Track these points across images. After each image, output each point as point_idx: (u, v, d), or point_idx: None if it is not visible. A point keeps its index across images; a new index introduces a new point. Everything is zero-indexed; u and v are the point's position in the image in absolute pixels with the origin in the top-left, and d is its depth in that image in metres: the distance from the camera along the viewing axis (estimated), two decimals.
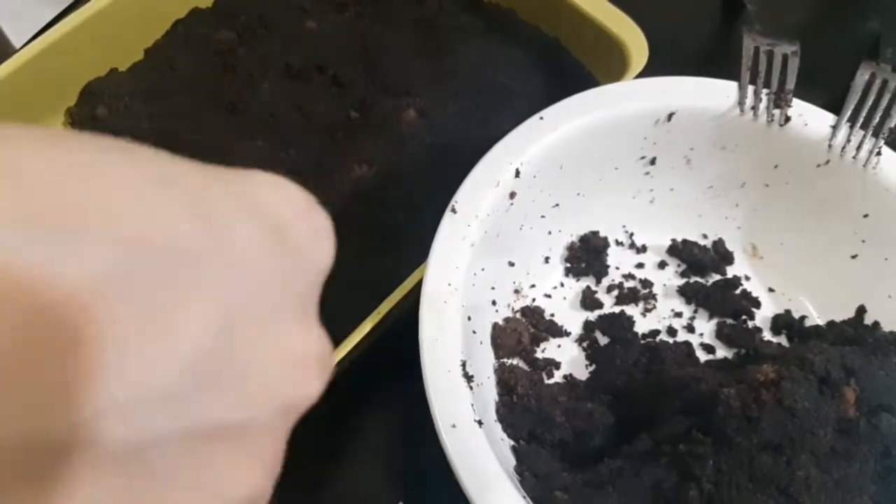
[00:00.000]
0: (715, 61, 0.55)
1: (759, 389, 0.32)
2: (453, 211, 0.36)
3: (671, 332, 0.42)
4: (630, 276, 0.44)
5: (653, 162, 0.42)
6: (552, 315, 0.42)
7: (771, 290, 0.44)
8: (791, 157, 0.41)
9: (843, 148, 0.40)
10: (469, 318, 0.35)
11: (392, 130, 0.46)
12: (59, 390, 0.11)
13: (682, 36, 0.56)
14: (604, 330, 0.42)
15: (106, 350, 0.11)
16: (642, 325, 0.42)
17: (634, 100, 0.40)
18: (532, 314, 0.41)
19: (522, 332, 0.40)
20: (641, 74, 0.45)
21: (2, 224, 0.11)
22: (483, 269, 0.37)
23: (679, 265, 0.44)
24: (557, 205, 0.42)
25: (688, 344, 0.41)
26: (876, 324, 0.40)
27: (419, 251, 0.36)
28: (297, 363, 0.15)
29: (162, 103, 0.46)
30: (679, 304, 0.43)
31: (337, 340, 0.36)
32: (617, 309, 0.42)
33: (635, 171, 0.43)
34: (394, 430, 0.40)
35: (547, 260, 0.43)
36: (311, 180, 0.44)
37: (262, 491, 0.15)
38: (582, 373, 0.40)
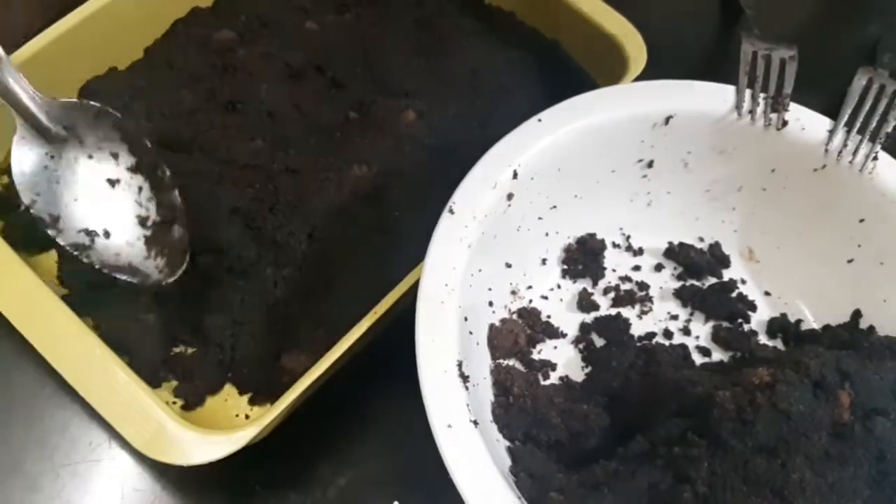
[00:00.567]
0: (713, 65, 0.56)
1: (754, 392, 0.32)
2: (451, 212, 0.36)
3: (667, 334, 0.42)
4: (626, 279, 0.44)
5: (650, 165, 0.43)
6: (549, 316, 0.42)
7: (767, 293, 0.44)
8: (788, 161, 0.41)
9: (840, 152, 0.40)
10: (466, 319, 0.35)
11: (391, 131, 0.46)
12: None
13: (681, 39, 0.56)
14: (600, 332, 0.42)
15: None
16: (638, 328, 0.42)
17: (632, 103, 0.40)
18: (529, 315, 0.41)
19: (519, 334, 0.40)
20: (640, 77, 0.45)
21: None
22: (480, 270, 0.37)
23: (675, 268, 0.44)
24: (555, 207, 0.42)
25: (684, 346, 0.41)
26: (871, 328, 0.40)
27: (417, 251, 0.36)
28: None
29: (161, 102, 0.46)
30: (675, 307, 0.43)
31: (333, 340, 0.36)
32: (613, 311, 0.43)
33: (633, 173, 0.43)
34: (389, 431, 0.40)
35: (544, 261, 0.43)
36: (310, 180, 0.44)
37: None
38: (578, 374, 0.40)
